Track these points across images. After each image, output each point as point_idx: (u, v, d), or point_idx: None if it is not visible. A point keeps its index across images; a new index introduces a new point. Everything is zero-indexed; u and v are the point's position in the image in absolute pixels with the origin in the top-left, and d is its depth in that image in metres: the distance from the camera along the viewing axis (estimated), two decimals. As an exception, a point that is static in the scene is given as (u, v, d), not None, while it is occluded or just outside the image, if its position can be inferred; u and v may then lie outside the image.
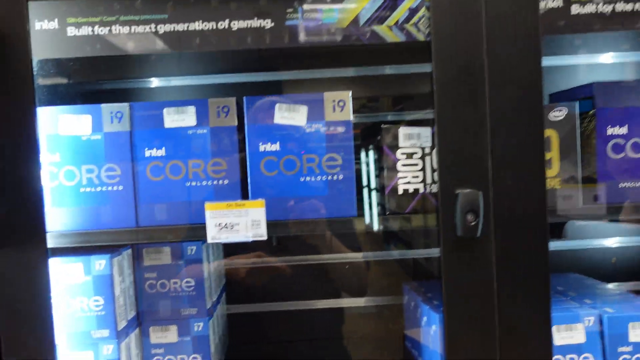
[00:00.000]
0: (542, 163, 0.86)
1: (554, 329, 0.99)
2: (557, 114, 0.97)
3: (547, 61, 0.93)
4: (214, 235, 0.95)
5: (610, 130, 0.98)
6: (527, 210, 0.87)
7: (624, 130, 0.98)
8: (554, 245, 1.42)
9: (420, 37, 0.88)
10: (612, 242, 1.41)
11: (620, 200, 0.98)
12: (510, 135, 0.86)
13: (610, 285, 1.23)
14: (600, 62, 1.36)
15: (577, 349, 0.99)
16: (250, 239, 0.95)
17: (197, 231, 0.96)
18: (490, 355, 0.88)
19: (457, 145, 0.86)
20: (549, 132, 0.97)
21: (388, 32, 0.87)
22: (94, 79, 1.35)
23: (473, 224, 0.85)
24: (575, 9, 0.87)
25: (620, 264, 1.43)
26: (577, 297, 1.12)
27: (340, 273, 1.40)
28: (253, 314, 1.46)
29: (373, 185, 1.10)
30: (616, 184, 0.98)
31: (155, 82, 1.34)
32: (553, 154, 0.97)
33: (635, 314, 0.99)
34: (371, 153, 1.14)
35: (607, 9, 0.87)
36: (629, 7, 0.88)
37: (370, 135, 1.20)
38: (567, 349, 0.99)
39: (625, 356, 0.99)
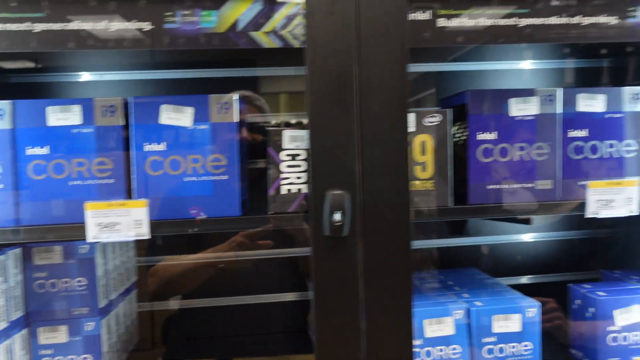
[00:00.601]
0: (406, 166, 0.92)
1: (425, 322, 1.07)
2: (432, 119, 1.04)
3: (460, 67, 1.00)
4: (94, 234, 0.96)
5: (480, 136, 1.06)
6: (392, 211, 0.93)
7: (493, 136, 1.06)
8: (457, 241, 1.51)
9: (296, 43, 0.92)
10: (520, 238, 1.51)
11: (488, 201, 1.06)
12: (378, 139, 0.92)
13: (499, 280, 1.32)
14: (520, 68, 1.46)
15: (446, 340, 1.06)
16: (132, 238, 0.97)
17: (78, 230, 0.97)
18: (356, 348, 0.94)
19: (328, 149, 0.91)
20: (424, 137, 1.04)
21: (264, 38, 0.91)
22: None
23: (340, 224, 0.90)
24: (440, 22, 0.94)
25: (528, 258, 1.53)
26: (460, 292, 1.19)
27: (247, 270, 1.43)
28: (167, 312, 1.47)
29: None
30: (484, 185, 1.06)
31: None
32: (427, 157, 1.04)
33: (499, 307, 1.08)
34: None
35: (471, 23, 0.95)
36: (489, 22, 0.95)
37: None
38: (437, 341, 1.06)
39: (489, 346, 1.07)
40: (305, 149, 1.03)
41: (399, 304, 0.93)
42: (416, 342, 1.06)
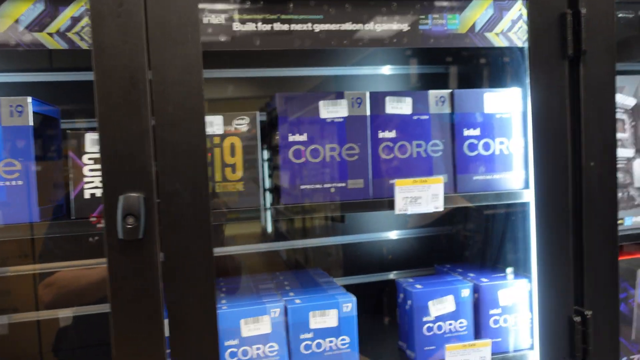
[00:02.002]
0: (204, 167, 0.94)
1: (242, 322, 1.10)
2: (240, 122, 1.06)
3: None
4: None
5: (291, 138, 1.10)
6: (191, 211, 0.94)
7: (304, 137, 1.10)
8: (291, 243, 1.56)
9: (84, 45, 0.91)
10: (388, 235, 1.58)
11: (301, 201, 1.10)
12: (174, 141, 0.93)
13: (334, 279, 1.37)
14: (381, 73, 1.54)
15: (264, 338, 1.10)
16: None
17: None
18: (159, 352, 0.95)
19: (120, 152, 0.92)
20: (233, 139, 1.07)
21: (49, 40, 0.90)
22: None
23: (133, 226, 0.91)
24: (236, 26, 0.97)
25: (375, 258, 1.60)
26: (288, 291, 1.23)
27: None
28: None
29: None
30: (297, 186, 1.10)
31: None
32: (237, 159, 1.07)
33: (316, 303, 1.13)
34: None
35: (265, 28, 0.98)
36: (284, 27, 0.99)
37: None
38: (254, 340, 1.10)
39: (306, 342, 1.12)
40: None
41: (203, 305, 0.95)
42: (232, 342, 1.09)
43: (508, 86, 1.26)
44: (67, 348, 1.44)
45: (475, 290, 1.23)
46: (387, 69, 1.58)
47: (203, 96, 0.94)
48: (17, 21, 0.89)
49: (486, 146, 1.21)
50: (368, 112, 1.13)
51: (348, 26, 1.02)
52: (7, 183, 0.98)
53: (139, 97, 0.92)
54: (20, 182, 0.98)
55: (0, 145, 0.97)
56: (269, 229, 1.48)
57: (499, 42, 1.13)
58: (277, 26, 0.99)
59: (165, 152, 0.93)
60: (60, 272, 1.38)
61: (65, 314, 1.40)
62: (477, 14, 1.10)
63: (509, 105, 1.22)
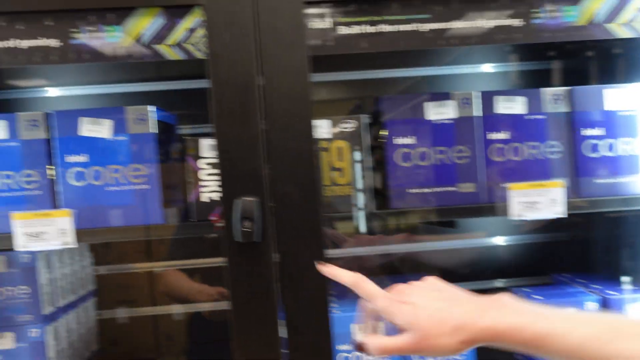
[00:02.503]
0: (316, 171, 0.96)
1: (353, 327, 1.10)
2: (346, 125, 1.07)
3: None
4: (23, 244, 1.03)
5: (398, 140, 1.09)
6: (304, 216, 0.97)
7: (411, 140, 1.09)
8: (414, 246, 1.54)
9: (199, 55, 0.97)
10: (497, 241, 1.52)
11: (409, 205, 1.09)
12: (285, 146, 0.96)
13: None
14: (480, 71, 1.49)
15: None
16: (60, 247, 1.03)
17: (7, 240, 1.04)
18: (275, 354, 0.98)
19: (235, 157, 0.96)
20: (341, 143, 1.08)
21: (168, 51, 0.97)
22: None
23: (249, 230, 0.95)
24: (341, 30, 0.98)
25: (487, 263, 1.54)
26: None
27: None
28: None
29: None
30: (405, 189, 1.09)
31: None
32: (345, 163, 1.08)
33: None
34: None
35: (371, 30, 0.98)
36: (391, 28, 0.99)
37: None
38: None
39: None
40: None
41: (317, 307, 0.97)
42: (344, 347, 1.10)
43: (624, 81, 1.16)
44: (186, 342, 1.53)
45: (604, 303, 1.14)
46: (487, 67, 1.51)
47: (311, 100, 0.96)
48: (139, 35, 0.96)
49: (608, 147, 1.12)
50: (477, 113, 1.09)
51: (457, 24, 0.99)
52: (134, 187, 1.06)
53: (251, 103, 0.96)
54: (146, 186, 1.06)
55: (127, 152, 1.06)
56: (375, 232, 1.47)
57: (623, 33, 1.04)
58: (383, 27, 0.99)
59: (276, 156, 0.96)
60: (164, 276, 1.49)
61: (180, 309, 1.49)
62: (597, 4, 1.03)
63: (632, 102, 1.12)
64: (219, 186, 1.06)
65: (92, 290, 1.51)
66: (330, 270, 0.77)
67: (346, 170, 1.08)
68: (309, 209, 0.97)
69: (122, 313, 1.54)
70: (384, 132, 1.09)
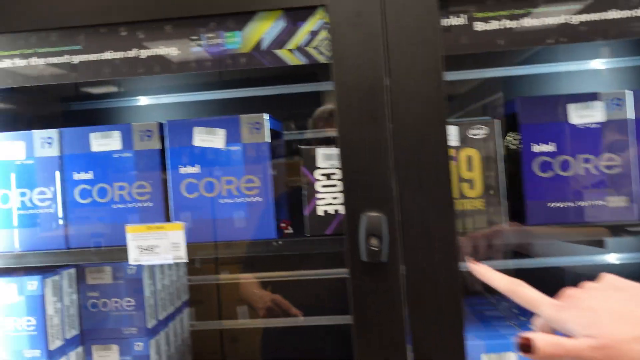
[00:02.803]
0: (449, 183, 0.87)
1: (483, 357, 0.99)
2: (477, 131, 0.97)
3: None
4: (136, 257, 1.01)
5: (536, 148, 0.97)
6: (436, 233, 0.87)
7: (551, 147, 0.97)
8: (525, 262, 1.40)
9: (322, 59, 0.90)
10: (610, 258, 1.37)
11: (550, 221, 0.97)
12: (414, 155, 0.87)
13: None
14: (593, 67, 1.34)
15: (506, 376, 0.98)
16: (171, 261, 1.00)
17: (121, 253, 1.02)
18: (401, 381, 0.89)
19: (360, 167, 0.89)
20: (470, 151, 0.98)
21: (289, 55, 0.91)
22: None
23: (377, 248, 0.87)
24: (478, 26, 0.88)
25: None
26: (522, 322, 1.10)
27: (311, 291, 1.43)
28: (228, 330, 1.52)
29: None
30: (545, 204, 0.97)
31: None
32: (475, 174, 0.98)
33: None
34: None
35: (511, 24, 0.88)
36: (535, 22, 0.88)
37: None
38: (494, 377, 0.98)
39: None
40: (339, 168, 1.01)
41: (450, 335, 0.87)
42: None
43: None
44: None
45: None
46: (596, 63, 1.33)
47: (444, 104, 0.87)
48: (259, 40, 0.91)
49: None
50: (631, 115, 0.96)
51: (613, 14, 0.87)
52: (247, 199, 1.01)
53: (377, 108, 0.88)
54: (259, 199, 1.00)
55: (240, 162, 1.01)
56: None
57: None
58: (526, 22, 0.88)
59: (405, 165, 0.88)
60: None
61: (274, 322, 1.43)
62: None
63: None
64: (334, 198, 0.99)
65: (186, 301, 1.48)
66: (483, 271, 0.66)
67: (476, 182, 0.97)
68: (441, 224, 0.87)
69: (215, 325, 1.50)
70: (518, 139, 0.98)
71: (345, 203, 0.89)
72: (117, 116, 1.50)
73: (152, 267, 1.23)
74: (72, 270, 1.18)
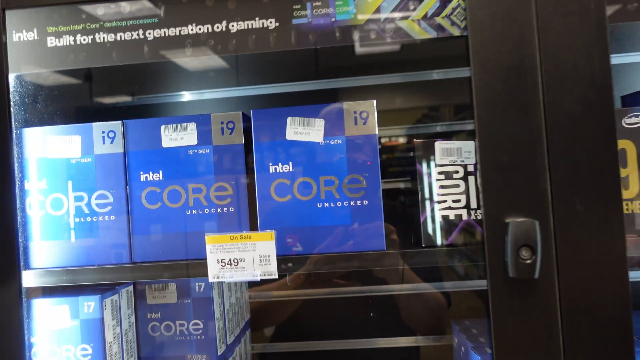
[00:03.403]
0: (617, 182, 0.71)
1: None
2: (634, 120, 0.81)
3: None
4: (215, 273, 0.84)
5: None
6: (600, 244, 0.71)
7: None
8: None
9: (455, 31, 0.75)
10: None
11: None
12: (575, 149, 0.71)
13: None
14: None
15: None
16: (259, 278, 0.84)
17: (198, 268, 0.86)
18: None
19: (505, 163, 0.73)
20: (623, 143, 0.82)
21: (415, 28, 0.75)
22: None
23: (529, 262, 0.71)
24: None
25: None
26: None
27: (384, 308, 1.28)
28: (284, 354, 1.35)
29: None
30: None
31: (174, 98, 1.28)
32: (630, 170, 0.82)
33: None
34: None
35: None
36: None
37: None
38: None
39: None
40: (461, 165, 0.85)
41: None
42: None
43: None
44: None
45: None
46: None
47: (611, 87, 0.71)
48: (378, 9, 0.75)
49: None
50: None
51: None
52: (350, 202, 0.85)
53: (528, 92, 0.72)
54: (364, 202, 0.85)
55: (343, 159, 0.85)
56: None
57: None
58: None
59: (561, 162, 0.72)
60: None
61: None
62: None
63: None
64: (455, 202, 0.83)
65: (248, 321, 1.32)
66: None
67: (633, 180, 0.81)
68: (606, 232, 0.71)
69: (281, 347, 1.34)
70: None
71: (485, 206, 0.73)
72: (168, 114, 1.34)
73: (220, 283, 1.07)
74: (131, 288, 1.02)
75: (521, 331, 0.73)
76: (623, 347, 0.71)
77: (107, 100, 1.22)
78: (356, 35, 0.75)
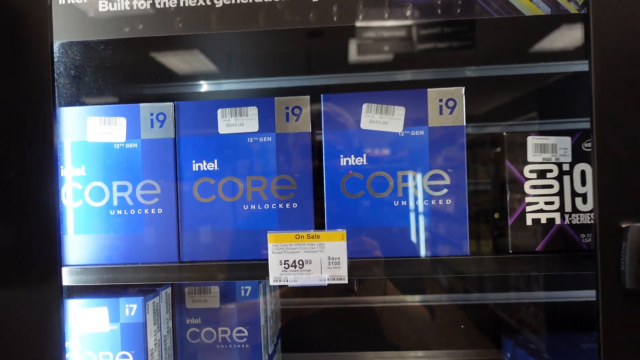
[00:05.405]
0: None
1: None
2: None
3: None
4: (277, 275, 0.75)
5: None
6: None
7: None
8: None
9: (572, 8, 0.66)
10: None
11: None
12: None
13: None
14: None
15: None
16: (327, 282, 0.75)
17: (256, 270, 0.77)
18: None
19: (625, 162, 0.64)
20: None
21: (527, 3, 0.66)
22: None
23: (652, 272, 0.62)
24: None
25: None
26: None
27: (424, 319, 1.18)
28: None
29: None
30: None
31: (205, 87, 1.17)
32: None
33: None
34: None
35: None
36: None
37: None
38: None
39: None
40: (555, 163, 0.77)
41: None
42: None
43: None
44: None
45: None
46: None
47: None
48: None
49: None
50: None
51: None
52: (431, 201, 0.76)
53: (653, 80, 0.63)
54: (447, 201, 0.76)
55: (424, 152, 0.76)
56: None
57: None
58: None
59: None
60: None
61: None
62: None
63: None
64: (548, 204, 0.74)
65: (281, 329, 1.22)
66: None
67: None
68: None
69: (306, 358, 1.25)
70: None
71: (599, 209, 0.64)
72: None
73: (265, 287, 0.98)
74: (169, 290, 0.92)
75: (635, 347, 0.64)
76: None
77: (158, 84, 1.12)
78: (458, 9, 0.66)
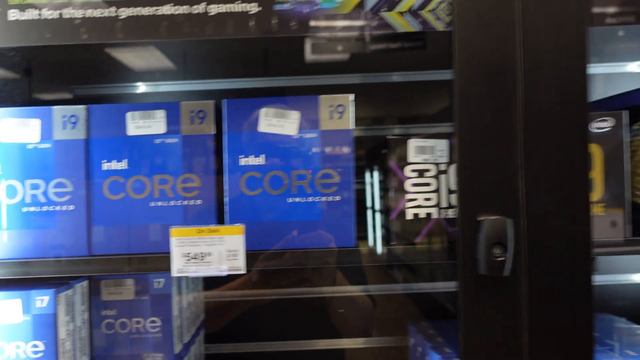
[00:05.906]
0: (586, 184, 0.73)
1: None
2: (601, 124, 0.84)
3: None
4: (180, 267, 0.81)
5: (666, 146, 0.85)
6: (568, 244, 0.73)
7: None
8: None
9: (439, 26, 0.76)
10: None
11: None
12: (549, 149, 0.73)
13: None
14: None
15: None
16: (225, 273, 0.81)
17: (162, 262, 0.83)
18: None
19: (481, 162, 0.74)
20: (591, 147, 0.85)
21: (399, 20, 0.75)
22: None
23: (500, 259, 0.72)
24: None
25: None
26: (619, 346, 0.97)
27: (339, 309, 1.27)
28: (237, 355, 1.32)
29: (377, 208, 0.97)
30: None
31: (141, 88, 1.23)
32: (596, 174, 0.85)
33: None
34: (376, 173, 1.01)
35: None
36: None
37: (374, 152, 1.08)
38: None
39: None
40: (434, 163, 0.86)
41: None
42: None
43: None
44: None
45: None
46: None
47: (586, 88, 0.73)
48: (362, 1, 0.75)
49: None
50: None
51: None
52: (323, 198, 0.84)
53: (507, 91, 0.74)
54: (336, 197, 0.84)
55: (317, 154, 0.84)
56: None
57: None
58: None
59: (534, 162, 0.73)
60: None
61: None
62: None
63: None
64: (426, 200, 0.84)
65: (202, 321, 1.28)
66: None
67: (598, 183, 0.84)
68: (574, 232, 0.73)
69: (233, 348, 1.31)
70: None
71: (460, 204, 0.74)
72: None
73: (179, 280, 1.03)
74: (85, 283, 0.97)
75: (489, 328, 0.74)
76: (584, 347, 0.73)
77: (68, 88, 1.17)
78: (340, 25, 0.75)
